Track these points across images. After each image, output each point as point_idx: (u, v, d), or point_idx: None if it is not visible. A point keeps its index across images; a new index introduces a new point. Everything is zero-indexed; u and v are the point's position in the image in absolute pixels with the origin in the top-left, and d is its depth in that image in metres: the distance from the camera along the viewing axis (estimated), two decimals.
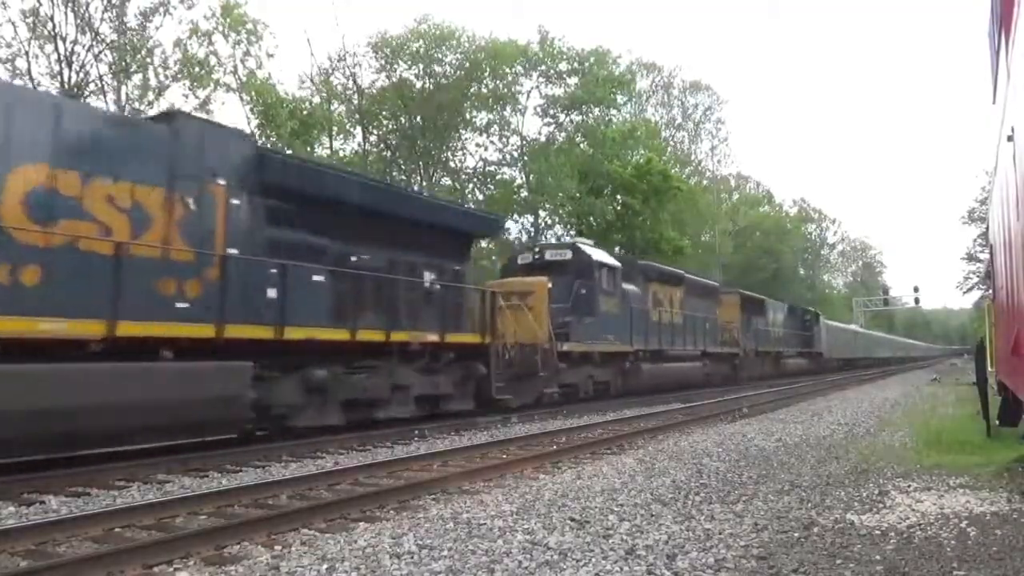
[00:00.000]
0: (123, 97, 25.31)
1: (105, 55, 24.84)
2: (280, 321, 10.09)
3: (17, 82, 22.31)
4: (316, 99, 31.53)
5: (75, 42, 23.96)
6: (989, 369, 11.04)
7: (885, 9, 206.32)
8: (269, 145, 28.02)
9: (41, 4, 22.99)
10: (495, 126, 36.48)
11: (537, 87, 37.28)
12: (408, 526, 5.79)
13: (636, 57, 52.14)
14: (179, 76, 26.94)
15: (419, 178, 34.24)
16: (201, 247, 9.50)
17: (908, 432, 11.92)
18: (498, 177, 36.94)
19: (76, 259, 8.21)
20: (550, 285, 16.74)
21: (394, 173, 33.86)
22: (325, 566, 4.73)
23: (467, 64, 34.04)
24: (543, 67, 36.65)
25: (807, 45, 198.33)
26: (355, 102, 32.97)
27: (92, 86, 24.50)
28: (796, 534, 5.43)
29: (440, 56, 33.94)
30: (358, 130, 34.00)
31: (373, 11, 65.06)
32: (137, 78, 26.02)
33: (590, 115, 37.88)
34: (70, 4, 23.65)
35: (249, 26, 28.10)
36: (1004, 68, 6.07)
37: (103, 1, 24.38)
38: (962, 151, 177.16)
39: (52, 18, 23.35)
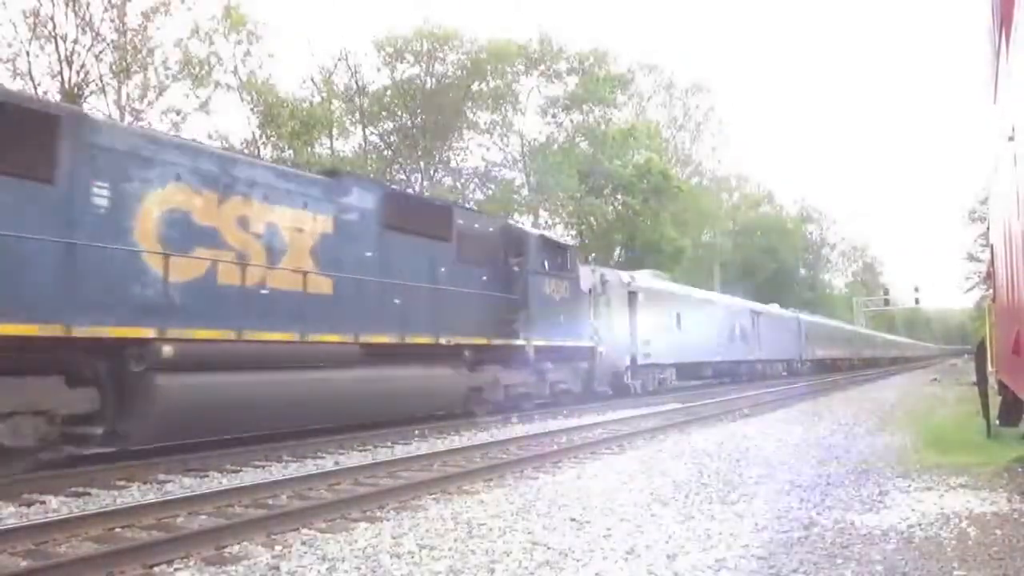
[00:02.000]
0: (123, 97, 25.36)
1: (105, 55, 24.88)
2: None
3: (17, 82, 22.38)
4: (317, 99, 31.56)
5: (75, 42, 24.01)
6: (989, 369, 11.03)
7: (885, 9, 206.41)
8: (270, 145, 28.14)
9: (41, 4, 23.04)
10: (497, 126, 36.55)
11: (537, 87, 37.35)
12: (408, 526, 5.79)
13: (636, 59, 52.13)
14: (179, 76, 26.99)
15: (420, 177, 34.26)
16: None
17: (908, 432, 11.92)
18: (498, 177, 36.98)
19: None
20: None
21: (394, 172, 33.87)
22: (325, 566, 4.73)
23: (468, 64, 34.07)
24: (543, 66, 36.69)
25: (809, 45, 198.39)
26: (357, 101, 32.99)
27: (92, 86, 24.55)
28: (796, 534, 5.43)
29: (442, 56, 33.98)
30: (358, 129, 34.02)
31: (376, 11, 65.07)
32: (138, 78, 26.08)
33: (590, 115, 37.92)
34: (70, 4, 23.68)
35: (250, 27, 28.14)
36: (1004, 68, 6.07)
37: (103, 1, 24.43)
38: (962, 151, 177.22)
39: (52, 18, 23.41)
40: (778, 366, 36.16)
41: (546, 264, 16.53)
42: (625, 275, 22.34)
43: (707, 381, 28.61)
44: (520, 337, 15.48)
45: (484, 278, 15.03)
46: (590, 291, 19.41)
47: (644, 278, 23.94)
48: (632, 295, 21.55)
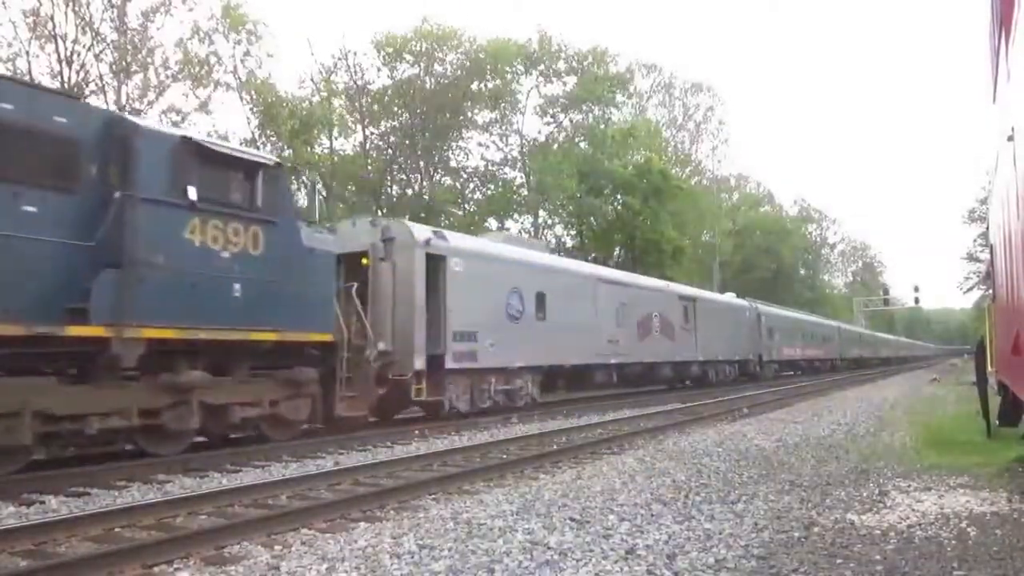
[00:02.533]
0: (123, 97, 25.37)
1: (105, 55, 24.90)
2: None
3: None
4: (316, 98, 31.56)
5: (75, 42, 24.02)
6: (989, 369, 11.04)
7: (886, 9, 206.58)
8: (269, 145, 28.16)
9: (41, 4, 23.06)
10: (497, 124, 36.56)
11: (536, 87, 37.36)
12: (408, 526, 5.79)
13: (636, 59, 52.22)
14: (179, 76, 27.02)
15: (419, 176, 34.26)
16: None
17: (908, 432, 11.92)
18: (498, 177, 36.95)
19: None
20: None
21: (395, 172, 33.88)
22: (325, 566, 4.73)
23: (468, 64, 34.05)
24: (542, 66, 36.69)
25: (808, 46, 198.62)
26: (357, 100, 32.97)
27: (92, 86, 24.55)
28: (796, 534, 5.43)
29: (441, 56, 33.97)
30: (359, 128, 34.00)
31: (375, 11, 65.13)
32: (138, 78, 26.12)
33: (590, 115, 37.92)
34: (70, 4, 23.68)
35: (249, 26, 28.16)
36: (1004, 68, 6.07)
37: (103, 1, 24.45)
38: (962, 151, 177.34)
39: (52, 18, 23.42)
40: (727, 368, 28.77)
41: (193, 191, 9.26)
42: (424, 230, 14.80)
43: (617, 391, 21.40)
44: (95, 321, 8.30)
45: (28, 207, 7.97)
46: (364, 254, 13.41)
47: (467, 238, 17.24)
48: (436, 261, 14.18)
